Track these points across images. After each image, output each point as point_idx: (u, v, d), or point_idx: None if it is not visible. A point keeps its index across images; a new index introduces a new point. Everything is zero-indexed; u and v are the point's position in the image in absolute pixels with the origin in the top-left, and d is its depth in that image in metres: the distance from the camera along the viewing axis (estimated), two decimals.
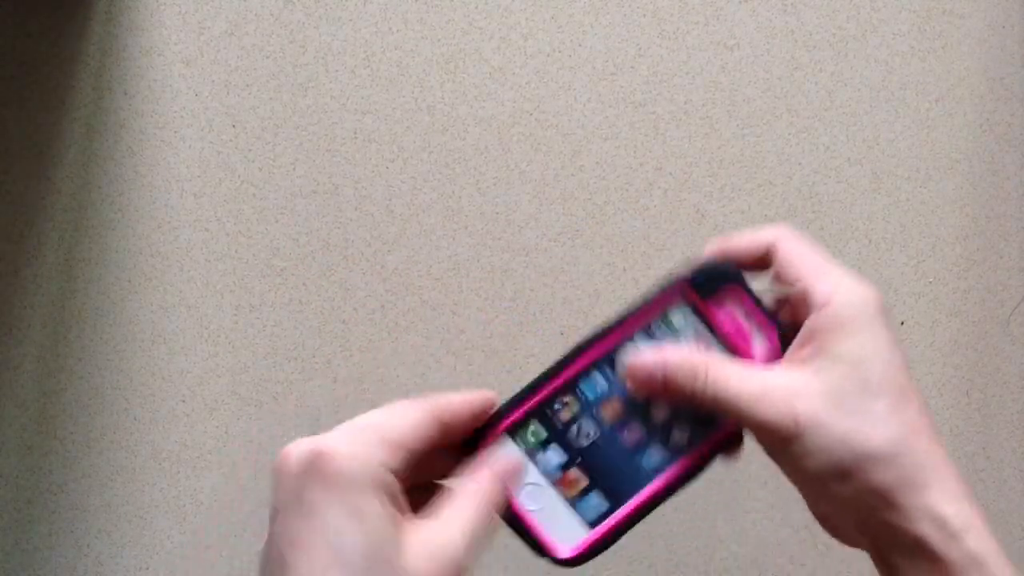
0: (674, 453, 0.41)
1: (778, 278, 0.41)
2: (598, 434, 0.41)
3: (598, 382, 0.41)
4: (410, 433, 0.38)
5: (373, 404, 0.58)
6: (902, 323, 0.59)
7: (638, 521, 0.41)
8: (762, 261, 0.42)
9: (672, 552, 0.60)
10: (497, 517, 0.39)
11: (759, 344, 0.41)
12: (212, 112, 0.60)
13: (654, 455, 0.41)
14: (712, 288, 0.41)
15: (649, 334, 0.41)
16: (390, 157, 0.60)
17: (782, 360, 0.40)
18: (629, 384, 0.40)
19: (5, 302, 0.60)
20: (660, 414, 0.41)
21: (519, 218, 0.60)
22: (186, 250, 0.60)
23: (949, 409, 0.59)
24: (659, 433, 0.41)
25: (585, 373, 0.41)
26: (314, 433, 0.59)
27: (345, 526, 0.35)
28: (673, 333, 0.41)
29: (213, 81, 0.60)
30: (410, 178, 0.60)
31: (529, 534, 0.41)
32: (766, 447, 0.39)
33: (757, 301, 0.41)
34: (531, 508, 0.41)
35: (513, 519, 0.40)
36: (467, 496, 0.38)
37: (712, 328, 0.41)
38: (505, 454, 0.40)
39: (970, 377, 0.59)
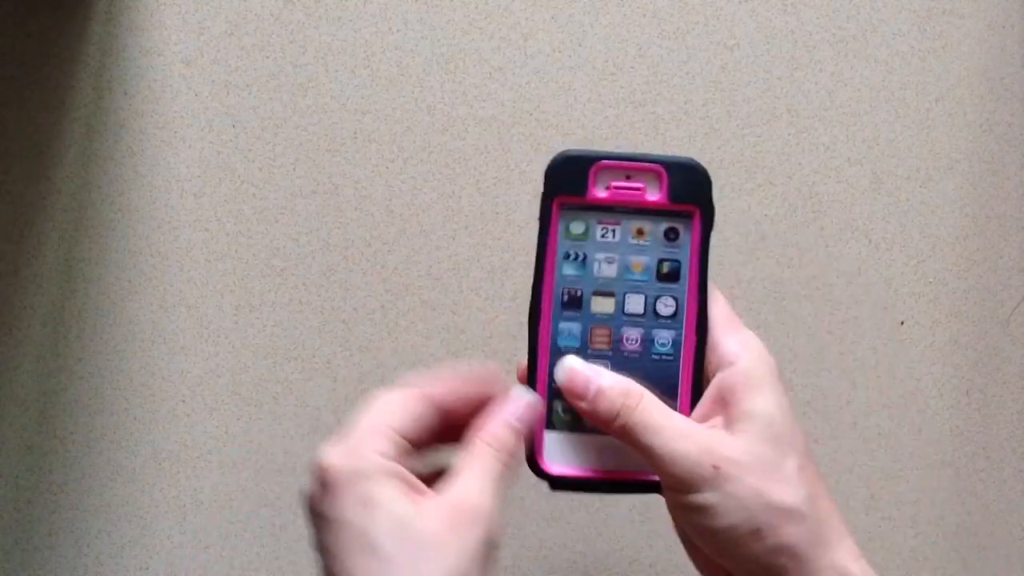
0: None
1: None
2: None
3: (571, 330, 0.42)
4: (405, 420, 0.39)
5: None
6: (902, 323, 0.59)
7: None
8: None
9: (671, 552, 0.60)
10: (514, 463, 0.39)
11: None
12: (212, 112, 0.60)
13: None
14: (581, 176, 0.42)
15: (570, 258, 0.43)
16: (390, 157, 0.60)
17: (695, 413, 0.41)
18: (561, 386, 0.41)
19: (5, 302, 0.60)
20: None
21: (519, 218, 0.60)
22: (186, 250, 0.60)
23: (949, 409, 0.59)
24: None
25: (557, 332, 0.42)
26: (314, 433, 0.59)
27: (361, 520, 0.35)
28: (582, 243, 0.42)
29: (213, 81, 0.60)
30: (410, 178, 0.60)
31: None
32: (676, 493, 0.39)
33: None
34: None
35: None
36: (478, 452, 0.39)
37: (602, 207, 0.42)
38: (516, 399, 0.41)
39: (970, 377, 0.59)
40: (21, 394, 0.60)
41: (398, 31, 0.60)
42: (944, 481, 0.59)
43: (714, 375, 0.41)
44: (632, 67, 0.60)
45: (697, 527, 0.38)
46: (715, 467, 0.37)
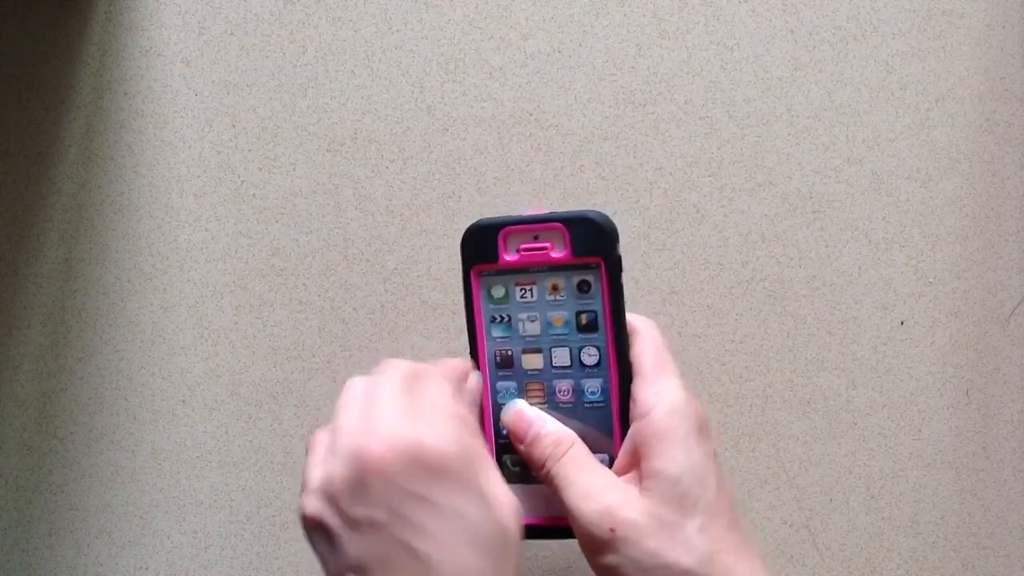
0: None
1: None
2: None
3: (508, 388, 0.45)
4: (458, 403, 0.41)
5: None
6: (902, 323, 0.59)
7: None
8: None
9: None
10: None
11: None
12: (212, 112, 0.60)
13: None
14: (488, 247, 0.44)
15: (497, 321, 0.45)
16: (390, 157, 0.60)
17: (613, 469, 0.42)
18: (505, 426, 0.43)
19: (5, 302, 0.60)
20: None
21: None
22: (186, 250, 0.60)
23: (949, 409, 0.59)
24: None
25: (495, 391, 0.45)
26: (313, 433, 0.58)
27: (474, 512, 0.36)
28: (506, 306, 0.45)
29: (213, 81, 0.60)
30: (410, 178, 0.60)
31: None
32: (584, 548, 0.40)
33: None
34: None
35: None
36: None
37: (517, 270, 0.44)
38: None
39: (970, 377, 0.59)
40: (21, 394, 0.60)
41: (398, 31, 0.60)
42: (944, 481, 0.59)
43: (631, 426, 0.41)
44: (632, 67, 0.60)
45: None
46: (612, 530, 0.38)
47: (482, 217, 0.45)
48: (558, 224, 0.43)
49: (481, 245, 0.44)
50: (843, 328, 0.59)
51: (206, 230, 0.60)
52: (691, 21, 0.59)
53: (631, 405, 0.42)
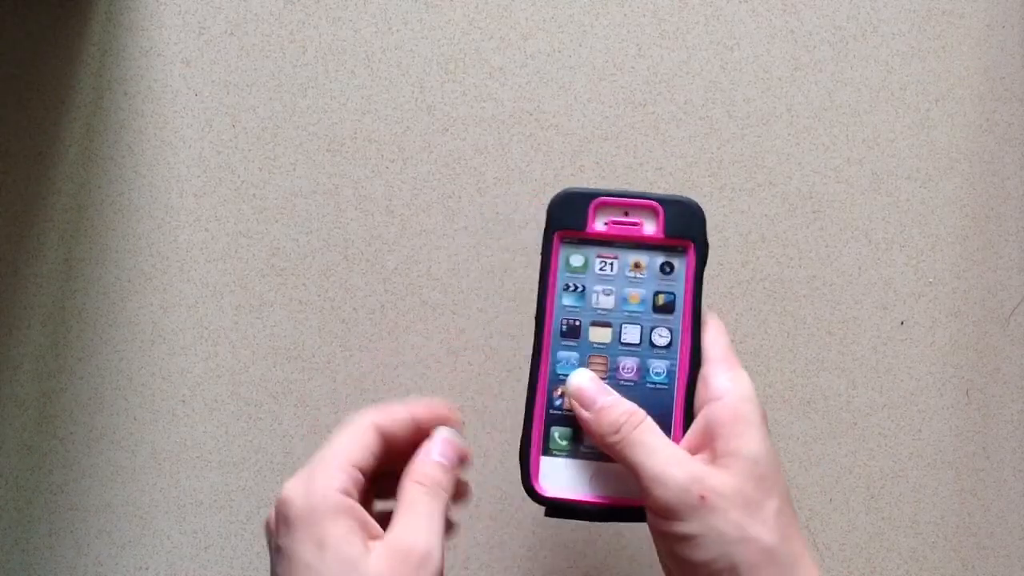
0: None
1: None
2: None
3: (570, 359, 0.44)
4: (360, 453, 0.40)
5: (374, 403, 0.58)
6: (902, 323, 0.59)
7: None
8: None
9: None
10: (447, 497, 0.41)
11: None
12: (212, 112, 0.60)
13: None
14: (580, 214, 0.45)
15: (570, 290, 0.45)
16: (390, 157, 0.60)
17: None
18: (571, 394, 0.43)
19: (5, 302, 0.60)
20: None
21: (519, 218, 0.60)
22: (186, 250, 0.60)
23: (949, 409, 0.59)
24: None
25: (556, 360, 0.44)
26: (314, 433, 0.59)
27: (313, 558, 0.37)
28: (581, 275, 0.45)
29: (213, 81, 0.60)
30: (410, 178, 0.60)
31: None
32: (661, 520, 0.39)
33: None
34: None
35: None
36: (413, 494, 0.40)
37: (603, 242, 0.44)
38: (437, 437, 0.43)
39: (970, 377, 0.59)
40: (21, 394, 0.60)
41: (398, 31, 0.60)
42: (944, 481, 0.59)
43: (702, 408, 0.42)
44: (632, 67, 0.60)
45: (677, 557, 0.39)
46: (702, 496, 0.38)
47: (573, 186, 0.45)
48: (654, 203, 0.44)
49: (570, 211, 0.44)
50: (843, 328, 0.59)
51: (206, 230, 0.60)
52: (691, 21, 0.59)
53: (701, 389, 0.42)
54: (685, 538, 0.38)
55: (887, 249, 0.59)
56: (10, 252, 0.60)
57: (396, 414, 0.42)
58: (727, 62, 0.59)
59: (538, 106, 0.60)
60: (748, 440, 0.40)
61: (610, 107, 0.60)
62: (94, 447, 0.60)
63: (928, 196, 0.59)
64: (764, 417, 0.41)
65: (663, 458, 0.39)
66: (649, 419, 0.41)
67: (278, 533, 0.39)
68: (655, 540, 0.41)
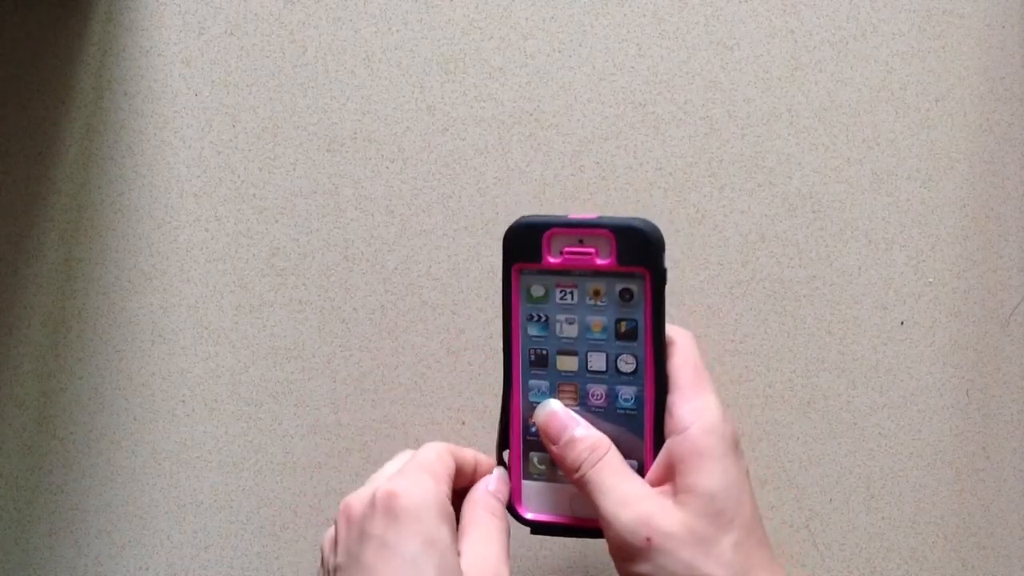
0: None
1: None
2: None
3: (540, 387, 0.44)
4: (446, 468, 0.42)
5: (374, 404, 0.58)
6: (902, 323, 0.59)
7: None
8: None
9: None
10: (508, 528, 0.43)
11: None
12: (212, 112, 0.60)
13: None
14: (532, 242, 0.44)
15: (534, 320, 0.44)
16: (390, 157, 0.60)
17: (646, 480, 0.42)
18: (538, 426, 0.43)
19: (5, 302, 0.60)
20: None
21: None
22: (186, 250, 0.60)
23: (949, 409, 0.59)
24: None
25: (527, 389, 0.44)
26: (314, 433, 0.59)
27: (421, 555, 0.37)
28: (544, 306, 0.44)
29: (213, 81, 0.60)
30: (410, 178, 0.60)
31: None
32: (616, 555, 0.40)
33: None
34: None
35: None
36: (485, 522, 0.42)
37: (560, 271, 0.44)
38: (495, 475, 0.45)
39: (970, 377, 0.59)
40: (21, 394, 0.60)
41: (398, 31, 0.60)
42: (944, 481, 0.59)
43: (667, 440, 0.41)
44: (632, 67, 0.60)
45: None
46: (648, 539, 0.38)
47: (525, 215, 0.45)
48: (605, 231, 0.43)
49: (524, 243, 0.44)
50: (843, 328, 0.59)
51: (206, 230, 0.60)
52: (691, 21, 0.59)
53: (667, 419, 0.42)
54: (637, 575, 0.39)
55: (887, 249, 0.59)
56: (10, 252, 0.60)
57: (464, 453, 0.44)
58: (727, 62, 0.59)
59: (538, 106, 0.60)
60: (706, 476, 0.39)
61: (610, 107, 0.60)
62: (94, 447, 0.60)
63: (928, 196, 0.59)
64: (732, 445, 0.41)
65: (614, 499, 0.40)
66: (611, 454, 0.41)
67: (379, 524, 0.38)
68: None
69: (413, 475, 0.40)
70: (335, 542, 0.40)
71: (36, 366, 0.60)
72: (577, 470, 0.41)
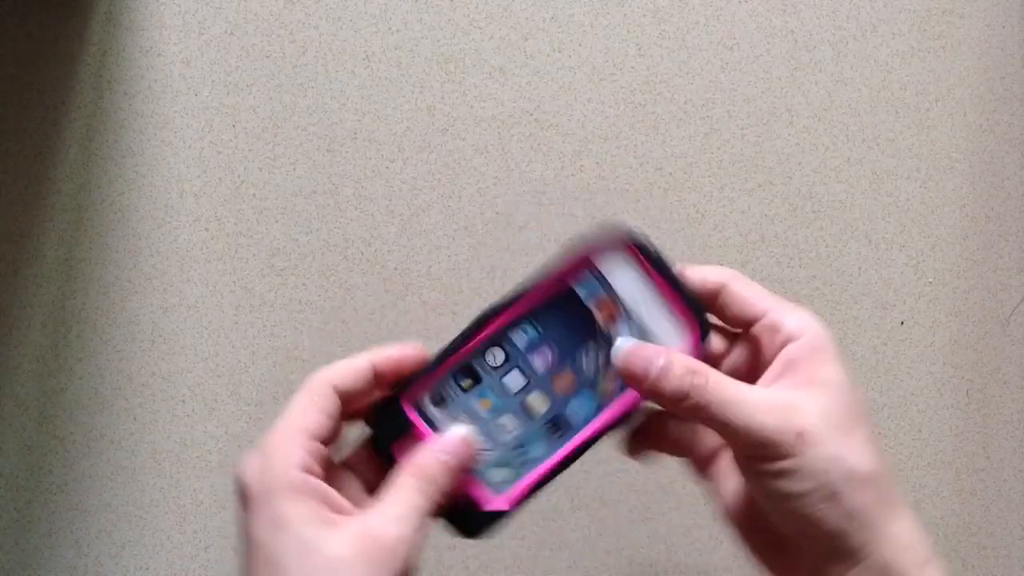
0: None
1: (725, 316, 0.42)
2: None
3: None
4: (317, 421, 0.38)
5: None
6: (902, 323, 0.59)
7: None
8: (709, 299, 0.42)
9: (672, 552, 0.60)
10: (440, 498, 0.39)
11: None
12: (212, 112, 0.60)
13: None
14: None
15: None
16: (390, 157, 0.60)
17: (763, 383, 0.41)
18: (619, 370, 0.40)
19: (5, 302, 0.60)
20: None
21: (519, 218, 0.60)
22: (186, 250, 0.60)
23: (949, 409, 0.59)
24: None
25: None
26: None
27: (269, 538, 0.36)
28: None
29: (213, 81, 0.60)
30: (410, 178, 0.60)
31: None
32: (756, 461, 0.39)
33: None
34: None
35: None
36: (402, 484, 0.38)
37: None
38: (448, 433, 0.40)
39: (970, 377, 0.59)
40: (21, 394, 0.60)
41: (398, 31, 0.60)
42: (944, 481, 0.59)
43: (779, 350, 0.40)
44: (632, 67, 0.60)
45: (773, 491, 0.38)
46: (798, 434, 0.37)
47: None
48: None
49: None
50: (843, 328, 0.59)
51: (206, 230, 0.60)
52: (691, 21, 0.59)
53: (770, 335, 0.41)
54: (783, 473, 0.37)
55: (887, 249, 0.59)
56: (10, 252, 0.60)
57: (356, 369, 0.40)
58: (727, 62, 0.59)
59: (538, 106, 0.60)
60: (833, 370, 0.39)
61: (610, 107, 0.60)
62: (94, 447, 0.60)
63: (928, 196, 0.59)
64: (840, 354, 0.40)
65: (749, 408, 0.38)
66: (713, 372, 0.39)
67: (241, 516, 0.37)
68: (747, 479, 0.40)
69: (261, 452, 0.37)
70: None
71: (36, 366, 0.60)
72: (685, 397, 0.38)
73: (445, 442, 0.40)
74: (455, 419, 0.41)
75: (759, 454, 0.38)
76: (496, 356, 0.41)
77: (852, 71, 0.59)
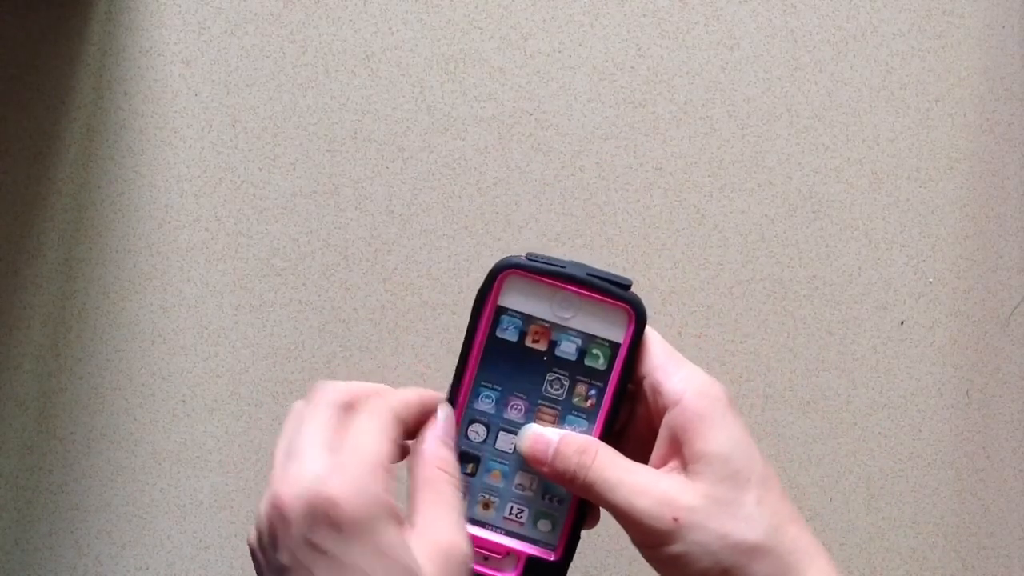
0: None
1: None
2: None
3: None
4: (388, 449, 0.38)
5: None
6: (902, 323, 0.59)
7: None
8: None
9: None
10: (460, 484, 0.40)
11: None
12: (212, 112, 0.60)
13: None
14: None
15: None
16: (390, 157, 0.60)
17: (651, 463, 0.40)
18: (525, 457, 0.41)
19: (5, 302, 0.60)
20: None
21: (519, 218, 0.60)
22: (186, 250, 0.60)
23: (949, 409, 0.59)
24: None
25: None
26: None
27: (371, 566, 0.35)
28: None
29: (213, 81, 0.60)
30: (410, 178, 0.60)
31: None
32: (643, 544, 0.39)
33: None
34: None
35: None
36: (438, 482, 0.39)
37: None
38: (441, 418, 0.41)
39: (970, 377, 0.59)
40: (21, 394, 0.60)
41: (398, 31, 0.60)
42: (944, 481, 0.59)
43: (663, 417, 0.40)
44: (632, 67, 0.60)
45: (668, 573, 0.39)
46: (675, 519, 0.37)
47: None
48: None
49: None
50: (843, 328, 0.59)
51: (206, 230, 0.60)
52: (691, 21, 0.59)
53: (656, 398, 0.41)
54: (671, 559, 0.38)
55: (887, 249, 0.59)
56: (10, 252, 0.60)
57: (409, 402, 0.41)
58: (727, 62, 0.59)
59: (538, 106, 0.60)
60: (713, 440, 0.38)
61: (610, 107, 0.60)
62: (94, 447, 0.60)
63: (928, 196, 0.59)
64: (728, 404, 0.40)
65: (627, 491, 0.38)
66: (603, 450, 0.40)
67: (320, 533, 0.36)
68: (645, 559, 0.40)
69: (350, 472, 0.37)
70: (274, 538, 0.37)
71: (36, 366, 0.60)
72: (574, 478, 0.40)
73: (444, 426, 0.41)
74: (478, 503, 0.42)
75: (642, 540, 0.38)
76: (478, 432, 0.42)
77: (852, 71, 0.59)
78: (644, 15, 0.59)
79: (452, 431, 0.41)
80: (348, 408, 0.40)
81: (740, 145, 0.59)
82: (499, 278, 0.41)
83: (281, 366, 0.60)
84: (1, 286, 0.60)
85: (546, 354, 0.41)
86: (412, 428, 0.41)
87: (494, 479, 0.42)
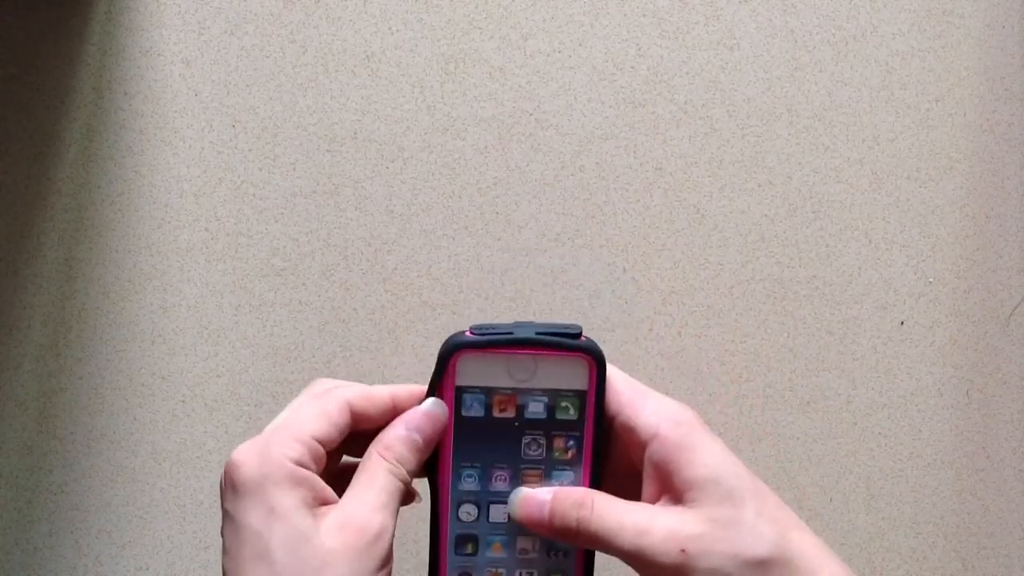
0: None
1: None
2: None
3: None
4: (326, 429, 0.39)
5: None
6: (902, 323, 0.59)
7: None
8: None
9: None
10: (409, 476, 0.39)
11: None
12: (212, 112, 0.60)
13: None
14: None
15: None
16: (390, 157, 0.60)
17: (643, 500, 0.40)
18: (521, 522, 0.41)
19: (5, 302, 0.60)
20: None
21: (519, 218, 0.60)
22: (186, 250, 0.60)
23: (949, 409, 0.59)
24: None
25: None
26: None
27: (262, 525, 0.37)
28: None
29: (213, 81, 0.60)
30: (410, 178, 0.60)
31: None
32: None
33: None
34: None
35: None
36: (374, 466, 0.39)
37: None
38: (413, 410, 0.40)
39: (970, 377, 0.59)
40: (21, 394, 0.60)
41: (398, 31, 0.60)
42: (944, 481, 0.59)
43: (643, 453, 0.40)
44: (632, 67, 0.60)
45: None
46: (682, 551, 0.37)
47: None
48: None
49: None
50: (843, 328, 0.59)
51: (206, 230, 0.60)
52: (691, 21, 0.59)
53: (631, 438, 0.41)
54: None
55: (887, 249, 0.59)
56: (10, 252, 0.60)
57: (375, 397, 0.41)
58: (727, 62, 0.59)
59: (538, 106, 0.60)
60: (699, 464, 0.38)
61: (610, 107, 0.60)
62: (94, 447, 0.60)
63: (928, 196, 0.59)
64: (702, 426, 0.40)
65: (630, 534, 0.38)
66: (598, 498, 0.39)
67: (228, 498, 0.38)
68: None
69: (263, 440, 0.38)
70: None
71: (36, 366, 0.60)
72: (577, 533, 0.39)
73: (410, 419, 0.40)
74: None
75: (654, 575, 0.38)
76: (469, 512, 0.41)
77: (852, 71, 0.59)
78: (644, 15, 0.59)
79: (425, 425, 0.40)
80: (310, 397, 0.40)
81: (740, 145, 0.59)
82: (451, 361, 0.40)
83: (281, 366, 0.60)
84: (1, 286, 0.60)
85: (516, 419, 0.41)
86: (377, 419, 0.40)
87: (496, 552, 0.42)
